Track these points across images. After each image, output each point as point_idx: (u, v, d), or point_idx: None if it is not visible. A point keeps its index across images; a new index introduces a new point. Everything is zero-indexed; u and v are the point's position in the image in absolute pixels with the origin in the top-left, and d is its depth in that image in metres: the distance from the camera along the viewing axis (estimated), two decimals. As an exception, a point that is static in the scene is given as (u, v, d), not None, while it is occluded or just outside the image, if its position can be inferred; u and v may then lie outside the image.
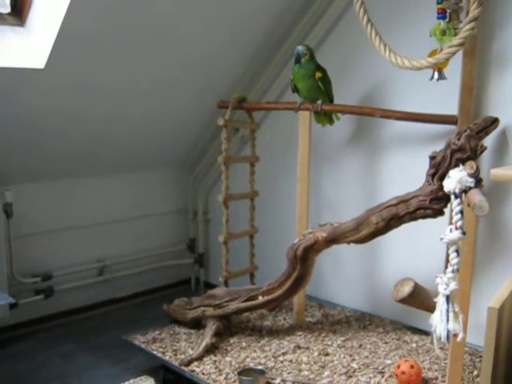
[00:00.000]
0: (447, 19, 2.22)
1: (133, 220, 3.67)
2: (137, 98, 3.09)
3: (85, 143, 3.13)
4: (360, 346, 2.68)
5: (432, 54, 2.26)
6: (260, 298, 2.74)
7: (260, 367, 2.46)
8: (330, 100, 2.83)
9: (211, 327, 2.72)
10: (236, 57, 3.27)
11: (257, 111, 3.26)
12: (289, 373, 2.44)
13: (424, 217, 2.17)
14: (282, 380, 2.38)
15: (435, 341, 1.83)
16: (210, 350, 2.62)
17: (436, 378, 2.37)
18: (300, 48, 2.74)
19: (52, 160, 3.11)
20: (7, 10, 2.54)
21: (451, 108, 2.46)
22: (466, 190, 1.83)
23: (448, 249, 1.81)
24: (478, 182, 1.85)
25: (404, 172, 2.79)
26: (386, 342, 2.72)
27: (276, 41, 3.27)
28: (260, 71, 3.40)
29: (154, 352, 2.66)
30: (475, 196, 1.74)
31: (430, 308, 1.91)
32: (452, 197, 1.84)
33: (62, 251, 3.35)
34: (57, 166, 3.16)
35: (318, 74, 2.75)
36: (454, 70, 2.34)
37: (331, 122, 2.91)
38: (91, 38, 2.58)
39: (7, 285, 2.99)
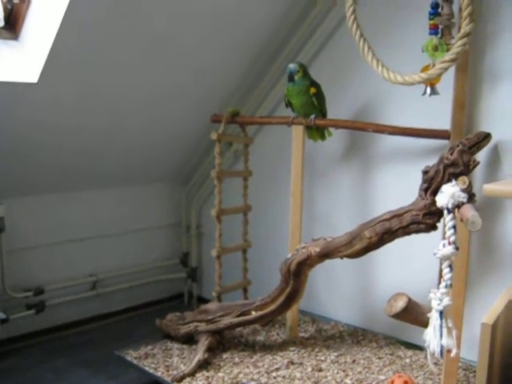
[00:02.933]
0: (439, 35, 2.23)
1: (126, 234, 3.66)
2: (130, 113, 3.09)
3: (78, 157, 3.12)
4: (353, 361, 2.67)
5: (424, 69, 2.27)
6: (253, 313, 2.72)
7: (253, 383, 2.45)
8: (323, 115, 2.84)
9: (204, 342, 2.71)
10: (230, 71, 3.28)
11: (250, 125, 3.26)
12: (282, 389, 2.42)
13: (417, 231, 2.18)
14: (275, 396, 2.37)
15: (429, 356, 1.82)
16: (203, 365, 2.60)
17: (430, 394, 2.37)
18: (292, 66, 2.74)
19: (44, 174, 3.10)
20: (1, 23, 2.53)
21: (444, 123, 2.47)
22: (458, 205, 1.83)
23: (441, 264, 1.81)
24: (471, 197, 1.86)
25: (397, 186, 2.80)
26: (379, 358, 2.71)
27: (269, 56, 3.28)
28: (253, 86, 3.40)
29: (146, 368, 2.64)
30: (468, 211, 1.74)
31: (424, 323, 1.90)
32: (445, 212, 1.85)
33: (54, 265, 3.33)
34: (49, 179, 3.15)
35: (313, 90, 2.75)
36: (447, 85, 2.35)
37: (323, 137, 2.91)
38: (85, 52, 2.58)
39: (-2, 299, 2.98)
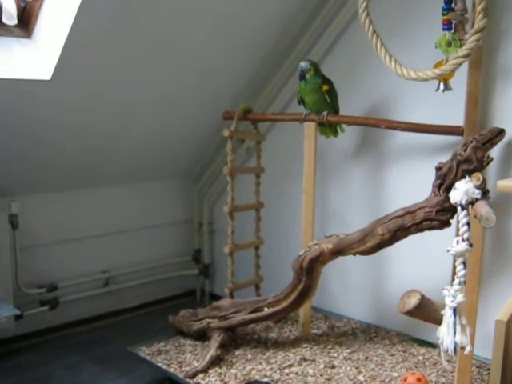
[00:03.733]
0: (452, 30, 2.22)
1: (138, 231, 3.67)
2: (143, 110, 3.10)
3: (91, 155, 3.14)
4: (366, 358, 2.67)
5: (438, 65, 2.26)
6: (266, 309, 2.72)
7: (266, 380, 2.45)
8: (336, 111, 2.83)
9: (216, 339, 2.71)
10: (242, 68, 3.28)
11: (262, 122, 3.26)
12: (294, 385, 2.42)
13: (430, 228, 2.16)
14: (288, 393, 2.37)
15: (442, 353, 1.82)
16: (215, 362, 2.61)
17: (443, 391, 2.36)
18: (303, 64, 2.72)
19: (58, 171, 3.11)
20: (14, 22, 2.54)
21: (457, 119, 2.45)
22: (472, 202, 1.82)
23: (455, 261, 1.81)
24: (485, 193, 1.84)
25: (410, 183, 2.78)
26: (392, 355, 2.70)
27: (282, 52, 3.27)
28: (265, 82, 3.40)
29: (159, 364, 2.65)
30: (482, 208, 1.73)
31: (437, 320, 1.90)
32: (459, 208, 1.83)
33: (68, 262, 3.35)
34: (62, 177, 3.17)
35: (325, 87, 2.74)
36: (460, 81, 2.34)
37: (336, 134, 2.90)
38: (97, 49, 2.59)
39: (12, 296, 2.99)
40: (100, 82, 2.76)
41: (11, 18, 2.51)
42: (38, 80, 2.55)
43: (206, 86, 3.21)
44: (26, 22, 2.61)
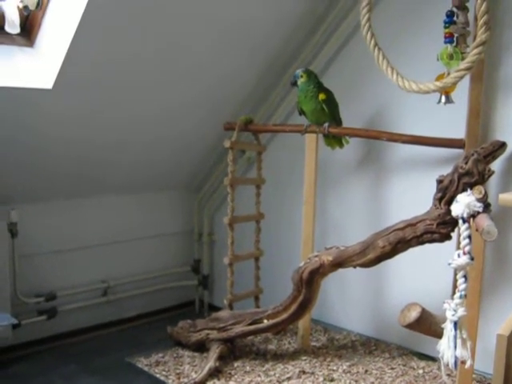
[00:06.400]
0: (454, 43, 2.22)
1: (137, 241, 3.65)
2: (144, 122, 3.09)
3: (91, 165, 3.13)
4: (366, 371, 2.65)
5: (439, 77, 2.26)
6: (265, 321, 2.71)
7: (264, 392, 2.44)
8: (338, 123, 2.83)
9: (215, 350, 2.70)
10: (243, 80, 3.28)
11: (263, 133, 3.26)
12: (293, 398, 2.41)
13: (431, 241, 2.16)
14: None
15: (442, 367, 1.81)
16: (214, 373, 2.60)
17: (443, 406, 2.34)
18: (296, 71, 2.81)
19: (57, 181, 3.10)
20: (17, 30, 2.55)
21: (458, 132, 2.45)
22: (474, 215, 1.82)
23: (456, 274, 1.80)
24: (487, 206, 1.84)
25: (411, 195, 2.78)
26: (392, 368, 2.69)
27: (283, 63, 3.27)
28: (267, 93, 3.40)
29: (157, 375, 2.64)
30: (483, 221, 1.73)
31: (438, 334, 1.88)
32: (460, 221, 1.83)
33: (66, 271, 3.33)
34: (62, 186, 3.16)
35: (322, 96, 2.74)
36: (462, 93, 2.34)
37: (341, 145, 2.90)
38: (99, 59, 2.59)
39: (10, 305, 2.97)
40: (102, 91, 2.76)
41: (14, 26, 2.51)
42: (39, 89, 2.55)
43: (207, 98, 3.21)
44: (28, 31, 2.61)
